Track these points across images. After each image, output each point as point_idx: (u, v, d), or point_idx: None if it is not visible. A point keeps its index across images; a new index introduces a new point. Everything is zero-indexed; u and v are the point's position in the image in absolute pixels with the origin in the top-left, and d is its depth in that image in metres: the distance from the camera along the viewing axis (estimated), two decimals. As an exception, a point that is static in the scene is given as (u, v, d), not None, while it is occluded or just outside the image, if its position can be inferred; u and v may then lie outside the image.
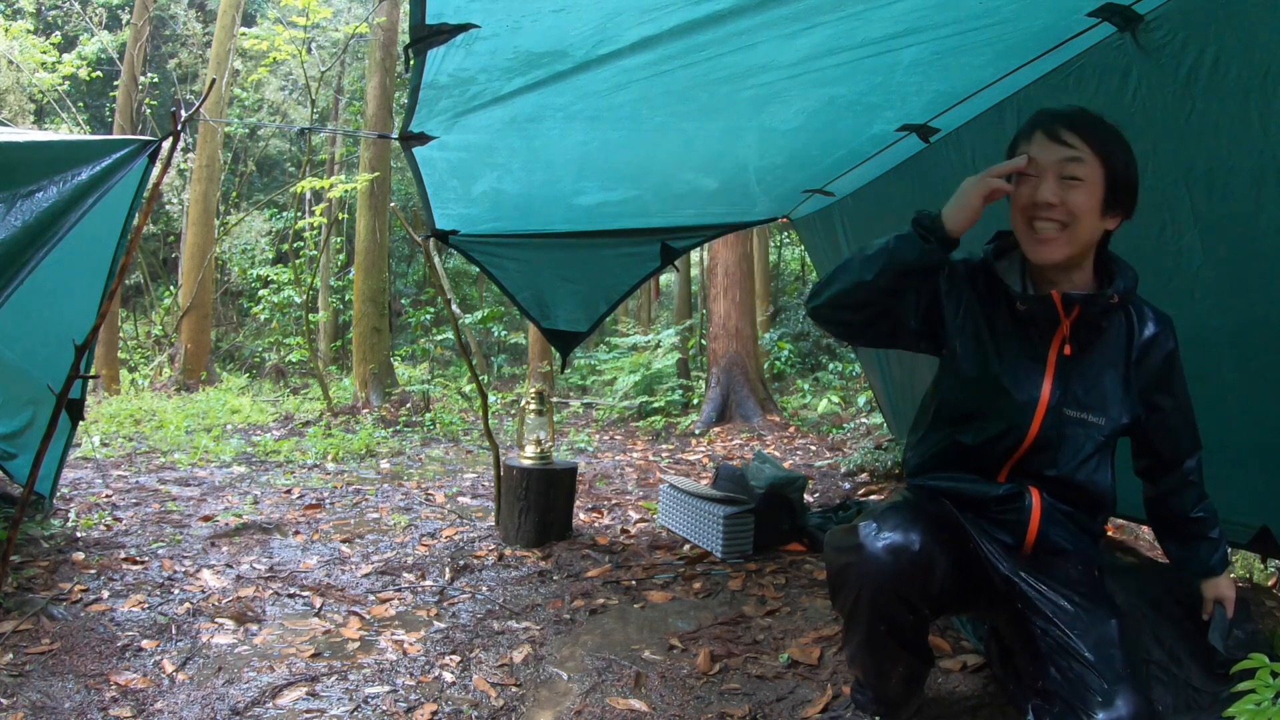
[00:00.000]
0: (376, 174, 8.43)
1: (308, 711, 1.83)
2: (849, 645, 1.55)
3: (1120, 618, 1.44)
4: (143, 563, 2.86)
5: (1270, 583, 2.60)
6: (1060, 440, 1.46)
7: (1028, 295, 1.45)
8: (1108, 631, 1.39)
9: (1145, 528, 3.38)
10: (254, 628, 2.33)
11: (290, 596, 2.60)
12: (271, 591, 2.63)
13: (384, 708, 1.85)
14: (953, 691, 1.83)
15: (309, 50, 8.89)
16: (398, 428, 7.13)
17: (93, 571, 2.73)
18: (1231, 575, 1.76)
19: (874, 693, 1.60)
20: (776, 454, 5.73)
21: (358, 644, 2.23)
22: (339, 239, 14.25)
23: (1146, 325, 1.50)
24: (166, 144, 2.11)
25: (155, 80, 12.62)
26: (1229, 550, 1.81)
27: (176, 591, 2.59)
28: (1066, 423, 1.46)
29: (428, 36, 1.56)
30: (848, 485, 4.53)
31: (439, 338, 10.08)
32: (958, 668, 1.90)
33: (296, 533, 3.39)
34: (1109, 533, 3.32)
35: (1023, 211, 1.41)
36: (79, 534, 3.17)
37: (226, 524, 3.44)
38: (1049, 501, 1.48)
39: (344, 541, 3.29)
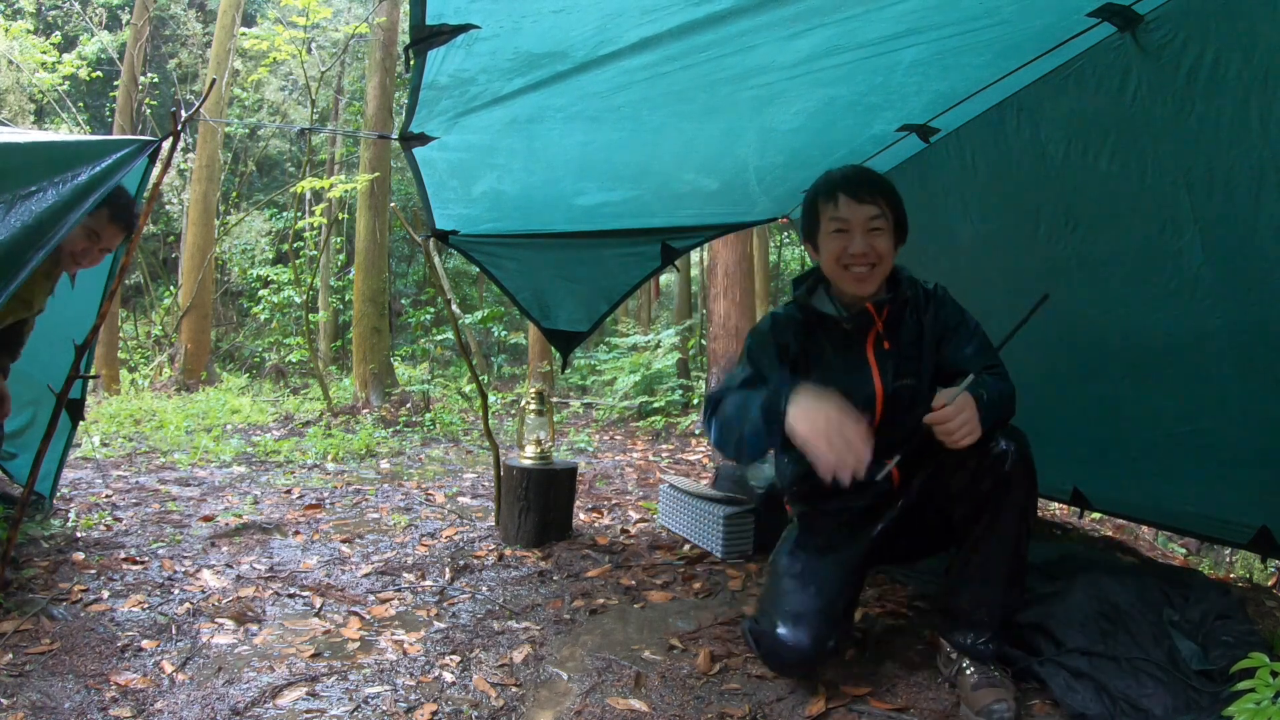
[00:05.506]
0: (376, 174, 8.43)
1: (308, 711, 1.83)
2: None
3: None
4: (143, 563, 2.86)
5: (1270, 583, 2.60)
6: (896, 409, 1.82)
7: (847, 315, 1.85)
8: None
9: (1145, 528, 3.38)
10: (254, 628, 2.33)
11: (290, 596, 2.60)
12: (271, 591, 2.63)
13: (384, 708, 1.85)
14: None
15: (309, 50, 8.89)
16: (398, 428, 7.13)
17: (93, 571, 2.73)
18: (1220, 565, 1.76)
19: None
20: (776, 454, 5.72)
21: (358, 644, 2.23)
22: (339, 239, 14.25)
23: (924, 302, 1.87)
24: (166, 144, 2.11)
25: (155, 80, 12.62)
26: (1227, 549, 1.81)
27: (176, 591, 2.59)
28: (899, 393, 1.82)
29: (428, 37, 1.56)
30: (848, 485, 4.52)
31: (439, 338, 10.07)
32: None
33: (296, 533, 3.39)
34: (1109, 533, 3.31)
35: (838, 260, 1.79)
36: (79, 534, 3.17)
37: (226, 524, 3.44)
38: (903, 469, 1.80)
39: (344, 541, 3.29)
